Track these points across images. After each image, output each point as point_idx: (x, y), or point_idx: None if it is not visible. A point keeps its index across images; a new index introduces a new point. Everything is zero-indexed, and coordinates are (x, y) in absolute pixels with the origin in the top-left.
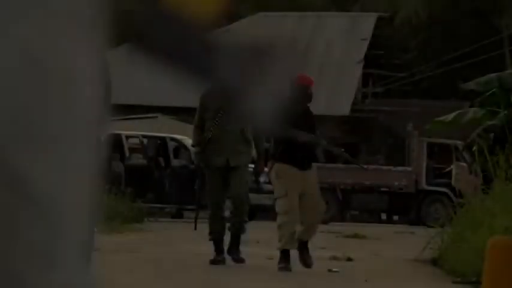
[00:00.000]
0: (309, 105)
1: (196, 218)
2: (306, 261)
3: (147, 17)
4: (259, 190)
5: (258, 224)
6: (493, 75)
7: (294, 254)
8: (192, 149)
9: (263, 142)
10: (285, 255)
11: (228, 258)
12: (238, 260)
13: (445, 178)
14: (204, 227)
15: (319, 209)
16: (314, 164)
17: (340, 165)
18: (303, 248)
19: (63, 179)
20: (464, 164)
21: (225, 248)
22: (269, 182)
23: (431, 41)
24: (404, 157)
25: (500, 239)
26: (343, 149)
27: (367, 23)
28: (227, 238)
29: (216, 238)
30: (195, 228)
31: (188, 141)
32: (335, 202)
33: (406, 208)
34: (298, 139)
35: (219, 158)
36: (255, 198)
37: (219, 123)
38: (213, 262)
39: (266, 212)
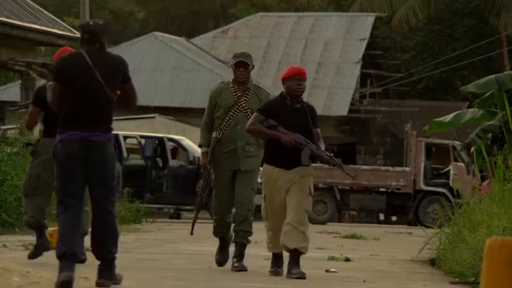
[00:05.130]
0: (302, 98)
1: (194, 222)
2: (291, 275)
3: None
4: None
5: (256, 224)
6: (491, 76)
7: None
8: (194, 150)
9: None
10: (275, 258)
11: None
12: (241, 269)
13: (443, 178)
14: (202, 227)
15: (301, 205)
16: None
17: None
18: (292, 261)
19: None
20: (462, 165)
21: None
22: None
23: (429, 42)
24: (403, 157)
25: (499, 239)
26: (332, 154)
27: (365, 23)
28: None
29: (221, 236)
30: (192, 233)
31: (186, 141)
32: (333, 202)
33: (404, 208)
34: (281, 139)
35: (230, 160)
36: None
37: (230, 122)
38: (219, 264)
39: None
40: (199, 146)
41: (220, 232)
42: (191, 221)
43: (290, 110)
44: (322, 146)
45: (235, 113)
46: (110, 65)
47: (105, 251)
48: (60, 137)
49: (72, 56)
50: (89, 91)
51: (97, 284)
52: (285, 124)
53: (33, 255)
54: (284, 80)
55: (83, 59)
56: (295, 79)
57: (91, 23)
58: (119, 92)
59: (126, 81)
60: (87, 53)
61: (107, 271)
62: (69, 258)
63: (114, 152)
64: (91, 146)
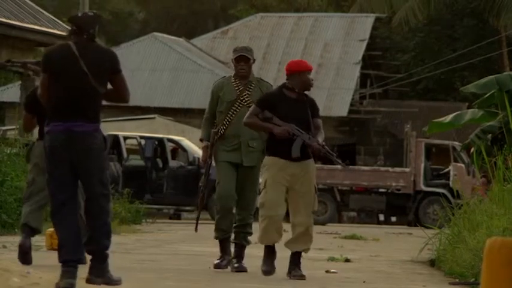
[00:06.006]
0: (306, 92)
1: (198, 218)
2: (292, 277)
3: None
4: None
5: (256, 224)
6: (491, 77)
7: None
8: (193, 151)
9: None
10: (267, 253)
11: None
12: (241, 270)
13: (443, 179)
14: (202, 228)
15: (311, 207)
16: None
17: (338, 166)
18: (293, 261)
19: None
20: (462, 165)
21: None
22: None
23: (429, 42)
24: (402, 158)
25: (498, 240)
26: (323, 143)
27: (365, 24)
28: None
29: (222, 237)
30: (196, 230)
31: (186, 142)
32: (333, 203)
33: (404, 209)
34: (273, 131)
35: (233, 155)
36: None
37: (233, 117)
38: (217, 267)
39: None
40: (201, 140)
41: (223, 228)
42: (191, 221)
43: (290, 101)
44: (322, 136)
45: (239, 107)
46: (97, 56)
47: (96, 243)
48: (47, 130)
49: (59, 47)
50: (73, 81)
51: (87, 281)
52: (284, 116)
53: (23, 259)
54: (295, 73)
55: (69, 50)
56: (309, 72)
57: (79, 14)
58: (110, 86)
59: (116, 73)
60: (75, 44)
61: (98, 268)
62: (71, 265)
63: (101, 144)
64: (74, 136)
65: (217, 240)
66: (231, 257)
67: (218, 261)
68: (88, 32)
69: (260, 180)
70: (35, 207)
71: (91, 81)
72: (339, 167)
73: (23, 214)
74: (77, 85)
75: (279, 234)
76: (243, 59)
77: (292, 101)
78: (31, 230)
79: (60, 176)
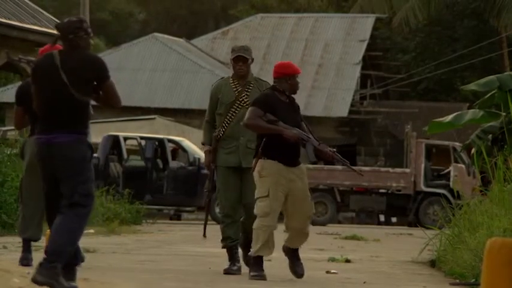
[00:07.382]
0: (293, 96)
1: (205, 224)
2: (296, 271)
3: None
4: None
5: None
6: (492, 76)
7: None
8: (194, 151)
9: None
10: (257, 261)
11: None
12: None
13: (443, 180)
14: (201, 229)
15: (308, 212)
16: (307, 165)
17: (339, 167)
18: (292, 256)
19: None
20: (463, 166)
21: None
22: None
23: (429, 43)
24: (403, 158)
25: (499, 241)
26: (334, 149)
27: (365, 24)
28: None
29: (230, 245)
30: (204, 236)
31: (186, 142)
32: (333, 203)
33: (404, 210)
34: (283, 134)
35: (232, 157)
36: None
37: (232, 119)
38: (227, 272)
39: None
40: (202, 144)
41: (229, 236)
42: (191, 222)
43: (284, 104)
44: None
45: (237, 109)
46: (80, 65)
47: (53, 242)
48: (35, 139)
49: (44, 57)
50: (54, 92)
51: (32, 279)
52: (282, 119)
53: (24, 264)
54: (285, 77)
55: (52, 60)
56: (298, 76)
57: (65, 20)
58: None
59: (102, 80)
60: (59, 53)
61: (47, 269)
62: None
63: (84, 154)
64: (54, 148)
65: (225, 249)
66: (240, 265)
67: (228, 266)
68: (68, 38)
69: (258, 183)
70: (29, 213)
71: (71, 91)
72: (339, 167)
73: (19, 223)
74: (57, 95)
75: (272, 248)
76: (241, 59)
77: (285, 104)
78: (28, 242)
79: (46, 187)
